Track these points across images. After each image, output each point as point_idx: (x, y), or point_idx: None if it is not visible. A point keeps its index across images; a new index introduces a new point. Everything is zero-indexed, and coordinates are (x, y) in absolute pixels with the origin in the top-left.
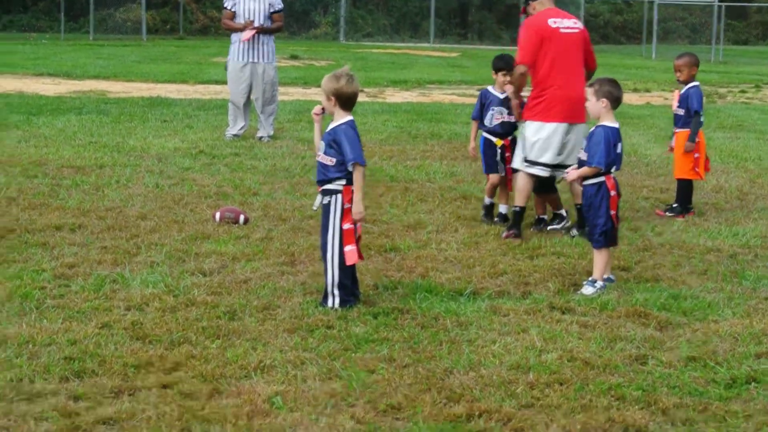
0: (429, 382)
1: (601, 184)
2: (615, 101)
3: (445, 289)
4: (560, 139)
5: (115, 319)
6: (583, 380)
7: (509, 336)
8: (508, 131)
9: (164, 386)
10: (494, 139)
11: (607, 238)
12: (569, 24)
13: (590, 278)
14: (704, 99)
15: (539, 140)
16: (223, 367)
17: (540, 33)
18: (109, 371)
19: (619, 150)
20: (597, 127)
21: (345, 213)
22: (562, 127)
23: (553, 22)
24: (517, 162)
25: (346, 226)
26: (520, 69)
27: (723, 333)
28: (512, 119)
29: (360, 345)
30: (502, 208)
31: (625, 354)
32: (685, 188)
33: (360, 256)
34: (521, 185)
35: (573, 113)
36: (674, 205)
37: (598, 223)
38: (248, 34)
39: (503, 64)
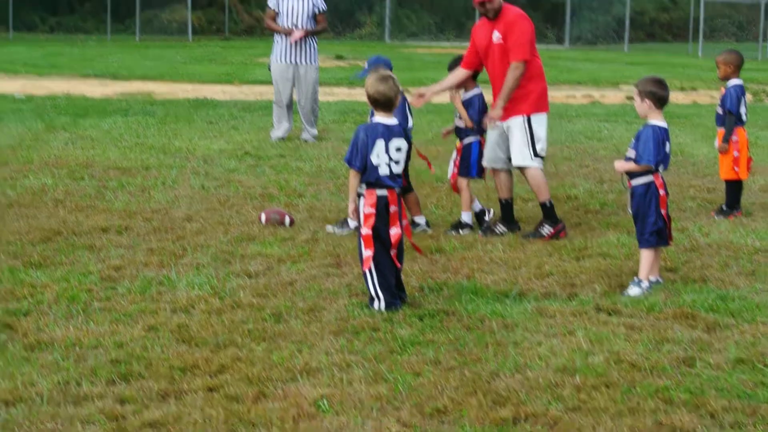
0: (475, 385)
1: (650, 184)
2: (659, 101)
3: (491, 291)
4: None
5: (161, 321)
6: (630, 383)
7: (555, 338)
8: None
9: (210, 389)
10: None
11: (660, 237)
12: None
13: (636, 278)
14: (744, 98)
15: (545, 132)
16: (269, 370)
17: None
18: (156, 374)
19: (667, 149)
20: (645, 126)
21: (365, 218)
22: None
23: None
24: (525, 160)
25: (363, 231)
26: (522, 68)
27: None
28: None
29: (406, 347)
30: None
31: (672, 356)
32: (731, 189)
33: (418, 250)
34: (542, 181)
35: None
36: (724, 208)
37: (649, 221)
38: (298, 34)
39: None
